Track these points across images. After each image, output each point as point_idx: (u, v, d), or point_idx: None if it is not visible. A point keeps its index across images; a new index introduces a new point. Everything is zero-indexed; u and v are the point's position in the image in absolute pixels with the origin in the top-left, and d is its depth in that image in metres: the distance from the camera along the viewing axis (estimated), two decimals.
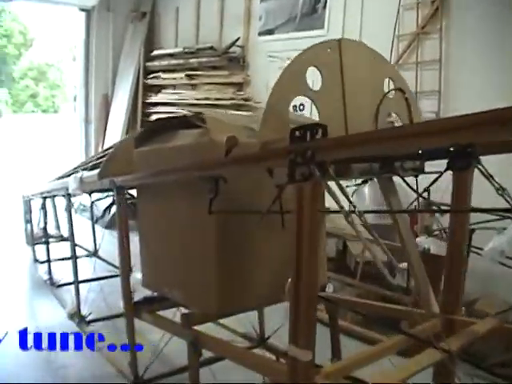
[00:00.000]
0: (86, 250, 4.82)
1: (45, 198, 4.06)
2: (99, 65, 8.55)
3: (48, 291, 3.93)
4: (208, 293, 1.78)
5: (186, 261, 1.89)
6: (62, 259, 4.49)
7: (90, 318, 3.11)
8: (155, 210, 2.06)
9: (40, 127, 21.32)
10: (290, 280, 1.37)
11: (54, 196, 4.12)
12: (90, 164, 2.70)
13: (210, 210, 1.59)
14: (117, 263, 4.42)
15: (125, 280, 2.25)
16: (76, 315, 3.06)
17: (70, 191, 2.77)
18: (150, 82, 8.31)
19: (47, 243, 4.31)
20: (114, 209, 7.07)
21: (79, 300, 3.08)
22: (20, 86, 26.59)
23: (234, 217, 1.70)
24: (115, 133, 8.32)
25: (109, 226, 6.92)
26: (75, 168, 3.10)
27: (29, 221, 4.93)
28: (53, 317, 3.74)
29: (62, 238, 5.16)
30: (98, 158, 2.65)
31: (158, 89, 8.29)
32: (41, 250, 4.79)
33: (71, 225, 3.16)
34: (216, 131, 1.68)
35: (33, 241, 4.86)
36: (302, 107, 6.43)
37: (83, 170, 2.84)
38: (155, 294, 2.49)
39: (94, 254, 4.73)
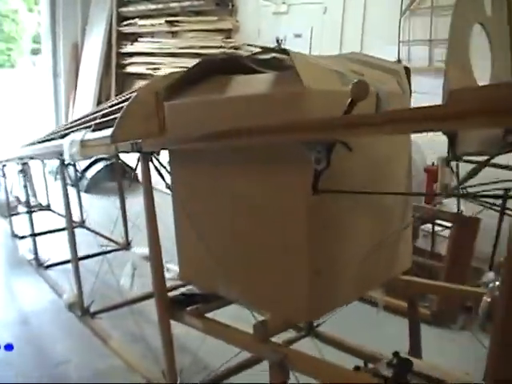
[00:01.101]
0: (74, 221, 4.25)
1: (24, 163, 3.44)
2: (67, 11, 7.72)
3: (34, 274, 3.36)
4: (294, 294, 1.30)
5: (257, 252, 1.39)
6: (46, 233, 3.93)
7: (93, 307, 2.57)
8: (205, 182, 1.53)
9: None
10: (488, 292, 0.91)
11: (24, 162, 3.50)
12: (93, 122, 2.14)
13: (316, 188, 1.09)
14: (107, 233, 3.92)
15: (157, 271, 1.72)
16: (77, 306, 2.52)
17: (67, 157, 2.20)
18: (124, 29, 7.58)
19: (30, 213, 3.65)
20: (93, 170, 6.49)
21: (80, 286, 2.53)
22: None
23: (330, 197, 1.21)
24: (88, 87, 7.61)
25: (88, 189, 6.36)
26: (68, 128, 2.51)
27: (4, 189, 4.26)
28: (45, 307, 3.22)
29: (40, 208, 4.57)
30: (105, 116, 2.08)
31: (134, 37, 7.58)
32: (17, 222, 4.21)
33: (66, 195, 2.59)
34: (308, 77, 1.16)
35: (8, 211, 4.22)
36: (282, 41, 5.85)
37: (84, 129, 2.27)
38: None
39: (82, 224, 4.17)
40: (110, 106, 2.11)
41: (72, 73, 7.89)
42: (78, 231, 4.15)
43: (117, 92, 7.73)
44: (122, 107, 1.95)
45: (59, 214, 4.48)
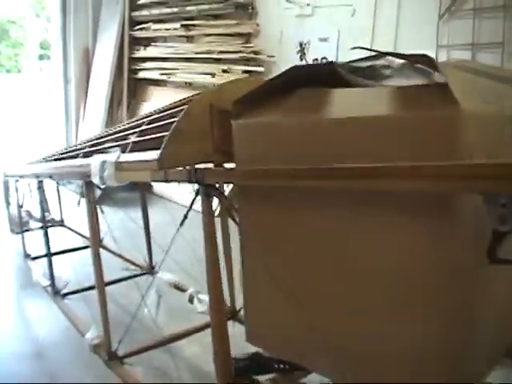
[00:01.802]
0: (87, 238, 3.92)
1: (41, 181, 3.09)
2: (77, 15, 7.42)
3: (51, 303, 3.02)
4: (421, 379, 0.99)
5: (369, 320, 1.08)
6: (61, 252, 3.60)
7: (120, 348, 2.24)
8: (290, 225, 1.21)
9: (5, 88, 19.80)
10: None
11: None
12: (129, 141, 1.82)
13: (494, 256, 0.78)
14: (126, 253, 3.59)
15: (219, 328, 1.39)
16: (103, 348, 2.20)
17: (96, 180, 1.89)
18: (137, 34, 7.28)
19: (46, 231, 3.16)
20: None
21: (108, 325, 2.21)
22: None
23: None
24: (99, 92, 7.31)
25: (99, 200, 6.03)
26: (93, 144, 2.21)
27: (16, 203, 3.90)
28: (62, 339, 2.89)
29: (53, 223, 4.25)
30: (144, 133, 1.76)
31: (147, 42, 7.27)
32: (28, 239, 3.87)
33: (92, 218, 2.27)
34: (462, 95, 0.85)
35: (21, 227, 3.87)
36: (324, 61, 5.56)
37: (114, 147, 1.97)
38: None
39: (100, 244, 3.82)
40: (150, 122, 1.79)
41: (83, 78, 7.59)
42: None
43: (129, 98, 7.45)
44: (166, 124, 1.64)
45: (74, 231, 4.18)
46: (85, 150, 2.24)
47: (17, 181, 3.55)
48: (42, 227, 3.29)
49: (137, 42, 7.39)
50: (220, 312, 1.38)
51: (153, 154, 1.54)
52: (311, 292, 1.24)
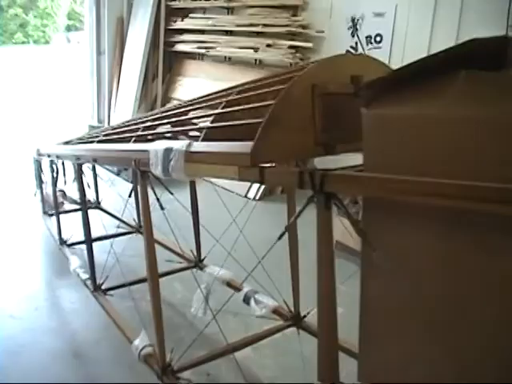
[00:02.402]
0: (129, 225, 3.65)
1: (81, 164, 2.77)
2: None
3: (90, 298, 2.73)
4: None
5: None
6: (99, 239, 3.29)
7: (173, 361, 1.94)
8: (446, 259, 0.90)
9: (33, 59, 19.65)
10: None
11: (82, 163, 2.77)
12: (203, 125, 1.51)
13: None
14: (170, 243, 3.24)
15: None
16: (156, 361, 1.91)
17: (158, 171, 1.58)
18: (174, 4, 6.92)
19: (86, 214, 2.72)
20: None
21: (162, 332, 1.91)
22: (8, 14, 24.69)
23: None
24: (133, 65, 7.01)
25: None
26: (148, 126, 1.89)
27: (51, 183, 3.57)
28: (101, 338, 2.63)
29: (90, 206, 3.95)
30: (222, 117, 1.44)
31: (185, 13, 6.91)
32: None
33: (147, 212, 1.97)
34: None
35: (56, 209, 3.57)
36: (378, 38, 5.18)
37: (180, 133, 1.65)
38: None
39: (139, 229, 3.56)
40: (228, 104, 1.46)
41: (117, 51, 7.28)
42: (135, 238, 3.48)
43: (164, 72, 7.14)
44: (254, 108, 1.32)
45: (111, 215, 3.91)
46: (138, 133, 1.93)
47: (52, 161, 3.26)
48: (80, 209, 2.96)
49: (174, 13, 7.04)
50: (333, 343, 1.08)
51: (239, 146, 1.22)
52: (451, 332, 0.94)
